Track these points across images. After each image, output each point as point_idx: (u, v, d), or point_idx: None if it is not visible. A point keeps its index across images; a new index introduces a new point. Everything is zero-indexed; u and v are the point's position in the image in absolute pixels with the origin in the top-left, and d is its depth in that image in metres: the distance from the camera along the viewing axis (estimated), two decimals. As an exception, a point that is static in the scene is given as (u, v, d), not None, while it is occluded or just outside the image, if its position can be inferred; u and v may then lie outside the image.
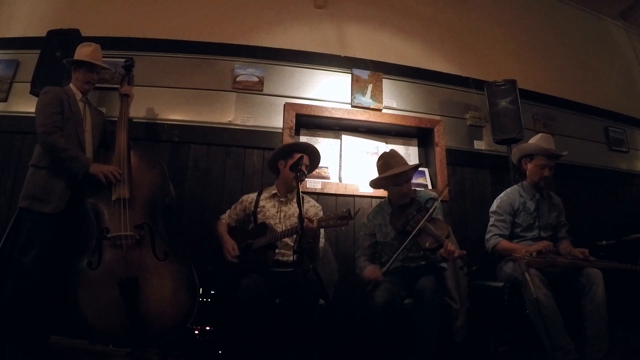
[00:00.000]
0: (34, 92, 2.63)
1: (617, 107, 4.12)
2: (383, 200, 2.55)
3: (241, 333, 2.02)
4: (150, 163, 2.40)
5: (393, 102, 3.37)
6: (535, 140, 2.61)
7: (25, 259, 2.05)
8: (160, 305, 2.04)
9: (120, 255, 2.05)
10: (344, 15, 3.57)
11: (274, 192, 2.50)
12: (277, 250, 2.28)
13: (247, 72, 3.18)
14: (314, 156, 2.53)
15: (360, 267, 2.37)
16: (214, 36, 3.24)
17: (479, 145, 3.44)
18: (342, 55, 3.41)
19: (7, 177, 2.77)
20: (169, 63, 3.13)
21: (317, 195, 2.91)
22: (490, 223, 2.56)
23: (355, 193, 3.07)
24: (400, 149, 3.41)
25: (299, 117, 3.16)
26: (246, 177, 2.96)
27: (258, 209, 2.46)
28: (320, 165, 2.66)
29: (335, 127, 3.34)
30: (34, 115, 2.22)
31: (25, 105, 2.87)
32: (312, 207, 2.48)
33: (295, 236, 2.08)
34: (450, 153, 3.31)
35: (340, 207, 3.02)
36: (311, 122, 3.27)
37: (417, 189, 2.52)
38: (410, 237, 2.13)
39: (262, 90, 3.17)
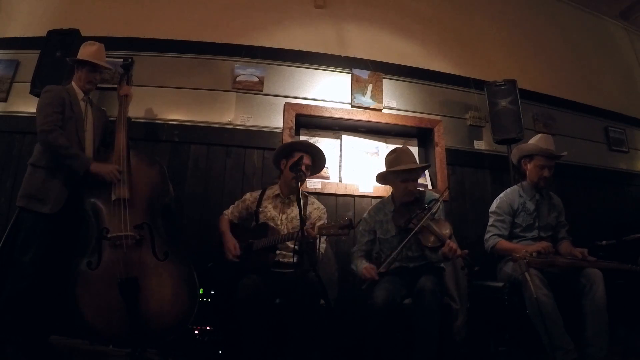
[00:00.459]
0: (34, 92, 2.62)
1: (617, 107, 4.12)
2: (385, 197, 2.55)
3: (241, 333, 2.02)
4: (150, 163, 2.40)
5: (393, 102, 3.37)
6: (534, 140, 2.61)
7: (24, 259, 2.05)
8: (160, 305, 2.04)
9: (120, 256, 2.05)
10: (344, 15, 3.57)
11: (277, 192, 2.49)
12: (277, 252, 2.28)
13: (247, 72, 3.18)
14: (317, 156, 2.50)
15: (355, 264, 2.36)
16: (214, 36, 3.24)
17: (479, 145, 3.44)
18: (342, 55, 3.40)
19: (7, 177, 2.77)
20: (169, 63, 3.13)
21: (317, 195, 2.90)
22: (489, 223, 2.56)
23: (355, 193, 3.07)
24: (400, 149, 3.41)
25: (299, 117, 3.16)
26: (246, 177, 2.96)
27: (260, 209, 2.45)
28: (324, 165, 2.63)
29: (335, 127, 3.34)
30: (34, 115, 2.22)
31: (25, 105, 2.86)
32: (315, 210, 2.46)
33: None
34: (450, 153, 3.31)
35: (341, 207, 3.03)
36: (311, 122, 3.27)
37: (422, 189, 2.52)
38: (412, 233, 2.13)
39: (262, 90, 3.17)
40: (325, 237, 2.35)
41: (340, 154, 3.26)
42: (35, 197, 2.12)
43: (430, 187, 3.25)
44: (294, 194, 2.47)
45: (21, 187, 2.18)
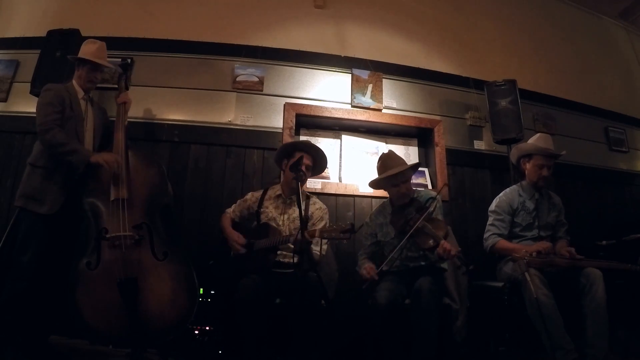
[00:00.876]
0: (34, 92, 2.62)
1: (617, 107, 4.12)
2: (385, 200, 2.55)
3: (241, 333, 2.02)
4: (149, 163, 2.39)
5: (393, 102, 3.37)
6: (533, 140, 2.61)
7: (22, 260, 2.04)
8: (160, 306, 2.03)
9: (119, 256, 2.04)
10: (344, 15, 3.57)
11: (278, 192, 2.49)
12: (278, 252, 2.28)
13: (247, 72, 3.19)
14: (318, 157, 2.49)
15: (359, 265, 2.38)
16: (214, 36, 3.24)
17: (479, 145, 3.44)
18: (342, 55, 3.41)
19: (7, 177, 2.77)
20: (169, 63, 3.13)
21: (317, 195, 2.89)
22: (489, 222, 2.56)
23: (355, 193, 3.07)
24: (400, 149, 3.41)
25: (299, 117, 3.16)
26: (246, 177, 2.96)
27: (262, 209, 2.45)
28: (326, 166, 2.60)
29: (335, 127, 3.34)
30: (34, 115, 2.21)
31: (25, 105, 2.86)
32: (317, 210, 2.45)
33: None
34: (450, 153, 3.31)
35: (341, 207, 3.03)
36: (311, 122, 3.27)
37: (418, 189, 2.52)
38: (407, 236, 2.13)
39: (262, 90, 3.17)
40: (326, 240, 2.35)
41: (340, 154, 3.26)
42: (33, 197, 2.11)
43: (430, 187, 3.25)
44: (295, 194, 2.46)
45: (20, 186, 2.17)
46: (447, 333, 2.24)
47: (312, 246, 2.19)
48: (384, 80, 3.39)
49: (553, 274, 2.16)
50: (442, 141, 3.32)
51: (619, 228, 2.87)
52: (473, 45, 3.79)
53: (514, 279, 2.24)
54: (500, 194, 2.63)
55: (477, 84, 3.51)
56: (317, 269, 1.99)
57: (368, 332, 2.22)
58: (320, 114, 3.19)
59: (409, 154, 3.41)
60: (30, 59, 2.94)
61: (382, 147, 3.34)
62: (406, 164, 2.37)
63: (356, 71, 3.35)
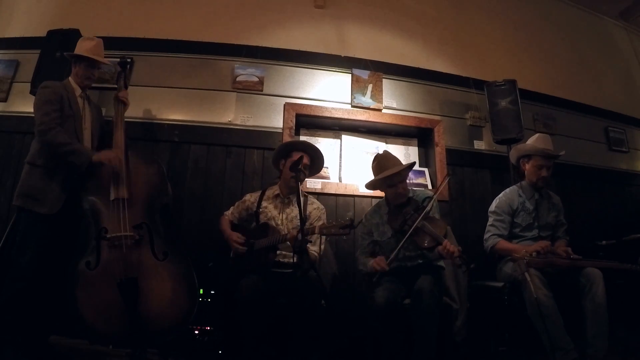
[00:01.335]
0: (34, 92, 2.61)
1: (617, 107, 4.12)
2: (380, 200, 2.54)
3: (241, 333, 2.02)
4: (149, 162, 2.38)
5: (393, 102, 3.37)
6: (532, 140, 2.61)
7: (21, 260, 2.03)
8: (160, 305, 2.04)
9: (119, 256, 2.04)
10: (344, 15, 3.57)
11: (276, 192, 2.49)
12: (277, 252, 2.28)
13: (247, 72, 3.18)
14: (316, 156, 2.51)
15: (363, 262, 2.35)
16: (214, 36, 3.24)
17: (479, 145, 3.44)
18: (342, 55, 3.41)
19: (7, 177, 2.77)
20: (169, 63, 3.13)
21: (317, 195, 2.90)
22: (489, 223, 2.56)
23: (355, 193, 3.07)
24: (400, 149, 3.41)
25: (299, 117, 3.16)
26: (246, 177, 2.96)
27: (260, 210, 2.45)
28: (323, 165, 2.63)
29: (335, 127, 3.34)
30: (34, 115, 2.19)
31: (25, 105, 2.86)
32: (315, 210, 2.46)
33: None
34: (450, 153, 3.31)
35: (341, 207, 3.03)
36: (311, 122, 3.27)
37: (414, 188, 2.52)
38: (407, 235, 2.13)
39: (262, 90, 3.17)
40: (325, 237, 2.35)
41: (340, 154, 3.26)
42: (33, 196, 2.09)
43: (430, 187, 3.25)
44: (293, 193, 2.47)
45: (18, 185, 2.15)
46: (447, 333, 2.24)
47: (310, 246, 2.19)
48: (384, 80, 3.39)
49: (553, 274, 2.16)
50: (442, 141, 3.32)
51: (619, 228, 2.87)
52: (473, 45, 3.79)
53: (514, 279, 2.24)
54: (500, 195, 2.63)
55: (477, 84, 3.51)
56: (316, 268, 1.99)
57: (367, 332, 2.22)
58: (320, 114, 3.19)
59: (409, 154, 3.41)
60: (30, 59, 2.94)
61: (382, 147, 3.34)
62: (402, 163, 2.36)
63: (356, 71, 3.35)
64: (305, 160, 2.38)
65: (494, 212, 2.56)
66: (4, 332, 1.99)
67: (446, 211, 3.11)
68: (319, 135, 3.31)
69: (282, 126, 3.09)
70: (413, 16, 3.72)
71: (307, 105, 3.19)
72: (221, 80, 3.15)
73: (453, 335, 2.35)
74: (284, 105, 3.14)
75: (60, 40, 2.75)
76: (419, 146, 3.47)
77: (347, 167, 3.21)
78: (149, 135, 2.94)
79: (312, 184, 2.99)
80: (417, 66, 3.52)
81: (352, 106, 3.28)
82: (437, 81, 3.52)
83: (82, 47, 2.32)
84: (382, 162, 2.36)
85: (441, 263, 2.29)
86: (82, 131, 2.27)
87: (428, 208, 2.19)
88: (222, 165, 2.97)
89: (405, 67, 3.49)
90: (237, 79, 3.16)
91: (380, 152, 2.47)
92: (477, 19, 3.91)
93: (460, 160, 3.34)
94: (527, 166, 2.57)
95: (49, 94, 2.17)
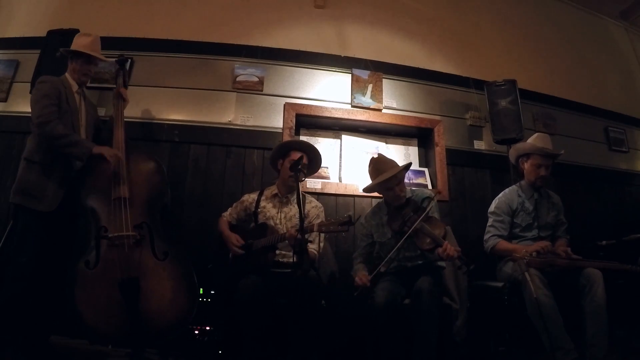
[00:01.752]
0: (33, 92, 2.62)
1: (617, 107, 4.12)
2: (380, 201, 2.54)
3: (241, 333, 2.02)
4: (149, 162, 2.38)
5: (393, 102, 3.37)
6: (532, 139, 2.62)
7: (20, 259, 2.02)
8: (160, 305, 2.03)
9: (120, 256, 2.04)
10: (344, 15, 3.57)
11: (275, 192, 2.50)
12: (277, 252, 2.28)
13: (247, 72, 3.18)
14: (314, 155, 2.51)
15: (354, 269, 2.37)
16: (214, 36, 3.24)
17: (479, 145, 3.44)
18: (342, 55, 3.41)
19: (7, 177, 2.76)
20: (169, 63, 3.13)
21: (317, 195, 2.91)
22: (488, 224, 2.56)
23: (355, 193, 3.07)
24: (400, 149, 3.41)
25: (299, 117, 3.16)
26: (246, 177, 2.96)
27: (259, 210, 2.46)
28: (321, 165, 2.64)
29: (335, 127, 3.34)
30: (31, 109, 2.16)
31: (25, 105, 2.84)
32: (313, 209, 2.47)
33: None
34: (450, 153, 3.31)
35: (341, 207, 3.03)
36: (311, 122, 3.27)
37: (413, 188, 2.51)
38: (405, 237, 2.12)
39: (262, 90, 3.17)
40: (324, 235, 2.35)
41: (340, 154, 3.26)
42: (30, 193, 2.07)
43: (430, 187, 3.25)
44: (291, 193, 2.48)
45: (15, 182, 2.13)
46: (447, 333, 2.24)
47: (309, 244, 2.19)
48: (384, 80, 3.39)
49: (553, 274, 2.16)
50: (442, 141, 3.32)
51: (619, 228, 2.87)
52: (473, 45, 3.79)
53: (514, 279, 2.24)
54: (500, 195, 2.63)
55: (477, 84, 3.51)
56: (316, 267, 1.99)
57: (367, 332, 2.22)
58: (320, 114, 3.19)
59: (409, 154, 3.41)
60: (30, 59, 2.94)
61: (382, 147, 3.35)
62: (397, 165, 2.35)
63: (356, 71, 3.35)
64: (304, 160, 2.38)
65: (493, 213, 2.56)
66: (4, 332, 1.98)
67: (446, 211, 3.11)
68: (319, 135, 3.31)
69: (282, 126, 3.09)
70: (413, 16, 3.72)
71: (307, 105, 3.19)
72: (221, 80, 3.15)
73: (453, 335, 2.35)
74: (284, 105, 3.14)
75: (60, 40, 2.74)
76: (419, 146, 3.47)
77: (347, 167, 3.21)
78: (149, 135, 2.94)
79: (312, 184, 2.99)
80: (417, 66, 3.52)
81: (352, 106, 3.28)
82: (437, 81, 3.52)
83: (79, 43, 2.31)
84: (377, 165, 2.35)
85: (441, 263, 2.29)
86: (79, 127, 2.26)
87: (427, 210, 2.19)
88: (222, 165, 2.97)
89: (405, 67, 3.49)
90: (237, 79, 3.16)
91: (375, 155, 2.45)
92: (477, 18, 3.91)
93: (460, 160, 3.34)
94: (526, 165, 2.57)
95: (48, 89, 2.16)
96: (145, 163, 2.36)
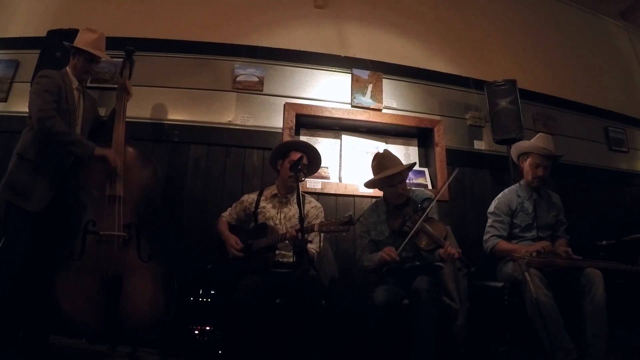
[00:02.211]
0: (34, 92, 2.61)
1: (617, 107, 4.12)
2: (378, 199, 2.54)
3: (241, 333, 2.02)
4: (145, 162, 2.37)
5: (393, 102, 3.37)
6: (533, 139, 2.62)
7: (10, 259, 1.99)
8: (139, 306, 2.04)
9: (107, 252, 2.03)
10: (344, 15, 3.57)
11: (274, 192, 2.50)
12: (277, 252, 2.28)
13: (247, 72, 3.18)
14: (313, 155, 2.51)
15: (368, 258, 2.33)
16: (214, 36, 3.24)
17: (479, 145, 3.44)
18: (342, 55, 3.41)
19: (7, 177, 2.76)
20: (169, 63, 3.13)
21: (317, 195, 2.91)
22: (488, 224, 2.56)
23: (355, 193, 3.07)
24: (400, 149, 3.41)
25: (299, 117, 3.16)
26: (246, 177, 2.96)
27: (259, 210, 2.46)
28: (321, 165, 2.64)
29: (335, 127, 3.34)
30: (30, 102, 2.13)
31: (25, 105, 2.83)
32: (313, 209, 2.47)
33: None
34: (450, 153, 3.31)
35: (341, 207, 3.02)
36: (311, 122, 3.27)
37: (413, 188, 2.52)
38: (408, 238, 2.12)
39: (262, 90, 3.17)
40: (324, 235, 2.35)
41: (340, 154, 3.26)
42: (19, 190, 2.03)
43: (430, 187, 3.25)
44: (291, 193, 2.48)
45: (5, 176, 2.07)
46: (447, 333, 2.24)
47: (308, 244, 2.19)
48: (384, 80, 3.39)
49: (553, 274, 2.16)
50: (442, 141, 3.32)
51: (619, 228, 2.87)
52: (473, 45, 3.79)
53: (514, 279, 2.24)
54: (499, 195, 2.63)
55: (477, 84, 3.51)
56: (316, 267, 1.99)
57: (367, 332, 2.22)
58: (320, 114, 3.19)
59: (409, 154, 3.41)
60: (30, 59, 2.94)
61: (382, 147, 3.34)
62: (402, 163, 2.37)
63: (356, 71, 3.35)
64: (304, 160, 2.38)
65: (492, 213, 2.56)
66: (3, 332, 1.97)
67: (446, 211, 3.11)
68: (319, 135, 3.31)
69: (282, 126, 3.09)
70: (413, 16, 3.72)
71: (307, 105, 3.19)
72: (221, 80, 3.15)
73: (453, 335, 2.35)
74: (284, 105, 3.14)
75: (60, 40, 2.74)
76: (419, 146, 3.47)
77: (347, 167, 3.21)
78: (149, 135, 2.94)
79: (312, 184, 2.99)
80: (417, 66, 3.52)
81: (352, 106, 3.28)
82: (437, 81, 3.52)
83: (83, 39, 2.24)
84: (382, 161, 2.36)
85: (440, 263, 2.29)
86: (75, 126, 2.22)
87: (428, 210, 2.19)
88: (222, 166, 2.97)
89: (405, 67, 3.49)
90: (237, 79, 3.16)
91: (380, 151, 2.46)
92: (477, 19, 3.91)
93: (460, 160, 3.33)
94: (525, 164, 2.57)
95: (49, 84, 2.12)
96: (141, 163, 2.35)
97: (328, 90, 3.29)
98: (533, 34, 4.06)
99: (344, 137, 3.33)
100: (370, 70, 3.38)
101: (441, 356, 2.02)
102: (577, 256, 2.23)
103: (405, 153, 3.40)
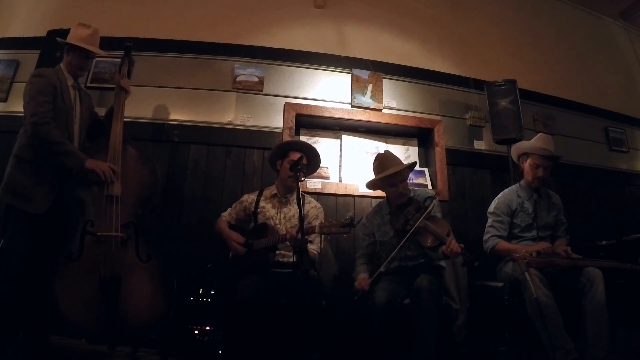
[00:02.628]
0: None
1: (617, 107, 4.12)
2: (382, 200, 2.55)
3: (241, 333, 2.02)
4: (143, 161, 2.35)
5: (393, 102, 3.37)
6: (534, 139, 2.62)
7: (9, 261, 1.98)
8: (138, 306, 2.04)
9: (105, 253, 2.02)
10: (344, 15, 3.57)
11: (274, 192, 2.50)
12: (277, 252, 2.28)
13: (247, 72, 3.18)
14: (313, 155, 2.52)
15: (356, 271, 2.37)
16: (214, 36, 3.24)
17: (479, 145, 3.44)
18: (342, 55, 3.41)
19: (7, 177, 2.76)
20: (169, 63, 3.13)
21: (317, 195, 2.91)
22: (488, 224, 2.56)
23: (355, 193, 3.07)
24: (400, 149, 3.41)
25: (299, 117, 3.16)
26: (246, 177, 2.96)
27: (258, 210, 2.46)
28: (320, 165, 2.65)
29: (335, 127, 3.34)
30: (25, 103, 2.10)
31: (25, 105, 2.86)
32: (312, 209, 2.47)
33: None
34: (450, 153, 3.31)
35: (341, 207, 3.03)
36: (311, 122, 3.27)
37: (414, 188, 2.52)
38: (409, 235, 2.13)
39: (262, 90, 3.17)
40: (325, 236, 2.35)
41: (340, 154, 3.26)
42: (20, 193, 2.01)
43: (430, 187, 3.25)
44: (290, 193, 2.48)
45: (4, 179, 2.05)
46: (447, 333, 2.24)
47: (309, 244, 2.19)
48: (384, 80, 3.38)
49: (553, 274, 2.16)
50: (442, 141, 3.32)
51: (619, 228, 2.87)
52: (473, 45, 3.79)
53: (514, 279, 2.24)
54: (499, 195, 2.64)
55: (477, 84, 3.51)
56: (316, 268, 1.99)
57: (367, 332, 2.22)
58: (320, 114, 3.19)
59: (409, 154, 3.41)
60: (30, 59, 2.95)
61: (382, 147, 3.34)
62: (402, 163, 2.37)
63: (356, 71, 3.35)
64: (304, 160, 2.38)
65: (492, 213, 2.56)
66: (4, 332, 1.97)
67: (446, 211, 3.10)
68: (319, 135, 3.31)
69: (282, 126, 3.09)
70: (413, 16, 3.72)
71: (307, 105, 3.19)
72: (221, 80, 3.15)
73: (453, 335, 2.35)
74: (284, 105, 3.14)
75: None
76: (419, 146, 3.47)
77: (347, 167, 3.21)
78: (149, 135, 2.94)
79: (312, 184, 2.99)
80: (417, 66, 3.52)
81: (352, 106, 3.27)
82: (437, 81, 3.52)
83: (77, 35, 2.19)
84: (383, 161, 2.36)
85: (442, 263, 2.29)
86: (73, 126, 2.19)
87: (430, 208, 2.19)
88: (222, 166, 2.97)
89: (405, 67, 3.49)
90: (237, 79, 3.16)
91: (382, 151, 2.47)
92: (477, 19, 3.91)
93: (460, 160, 3.33)
94: (525, 165, 2.57)
95: (43, 84, 2.08)
96: (140, 162, 2.33)
97: (328, 90, 3.29)
98: (533, 34, 4.06)
99: (344, 137, 3.33)
100: (370, 70, 3.38)
101: (441, 356, 2.02)
102: (577, 255, 2.23)
103: (405, 153, 3.40)
